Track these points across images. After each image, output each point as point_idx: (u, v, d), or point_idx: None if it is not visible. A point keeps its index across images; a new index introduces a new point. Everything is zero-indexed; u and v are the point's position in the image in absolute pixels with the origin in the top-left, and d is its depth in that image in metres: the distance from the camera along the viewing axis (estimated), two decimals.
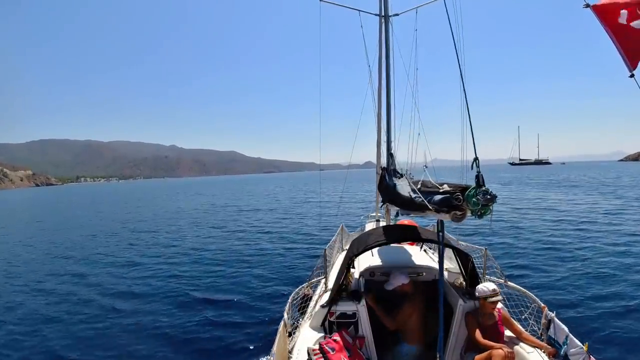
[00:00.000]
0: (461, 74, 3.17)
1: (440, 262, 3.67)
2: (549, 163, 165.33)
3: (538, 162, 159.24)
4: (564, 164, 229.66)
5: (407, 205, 3.98)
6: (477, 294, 3.89)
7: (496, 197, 2.84)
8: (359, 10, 6.94)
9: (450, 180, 3.81)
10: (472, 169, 2.95)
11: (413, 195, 3.73)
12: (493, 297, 3.78)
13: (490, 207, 2.86)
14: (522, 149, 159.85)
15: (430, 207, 3.25)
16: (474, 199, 2.84)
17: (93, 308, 8.62)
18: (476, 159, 2.93)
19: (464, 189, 3.05)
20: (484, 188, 2.83)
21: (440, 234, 3.58)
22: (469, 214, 2.99)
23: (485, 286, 3.84)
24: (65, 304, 8.99)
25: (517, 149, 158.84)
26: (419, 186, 3.92)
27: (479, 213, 2.86)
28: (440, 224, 3.56)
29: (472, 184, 2.94)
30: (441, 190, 3.35)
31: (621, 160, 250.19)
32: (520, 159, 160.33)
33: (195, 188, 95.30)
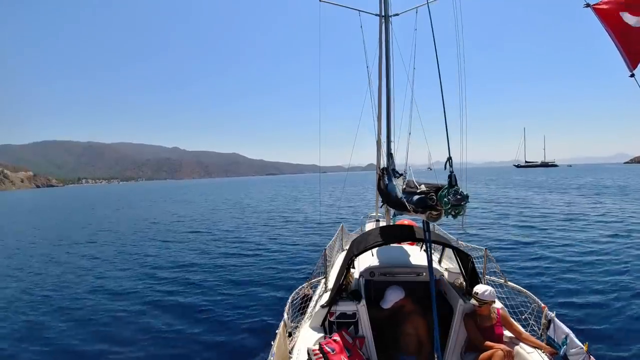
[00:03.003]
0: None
1: (430, 262, 3.68)
2: (555, 165, 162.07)
3: (544, 165, 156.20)
4: (570, 166, 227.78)
5: (396, 205, 4.06)
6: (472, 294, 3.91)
7: (467, 197, 2.86)
8: (359, 10, 6.96)
9: (430, 181, 3.84)
10: (445, 168, 2.97)
11: (399, 196, 3.79)
12: (477, 302, 3.78)
13: (464, 207, 2.88)
14: (525, 151, 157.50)
15: (409, 208, 3.29)
16: (445, 199, 2.87)
17: (91, 309, 8.61)
18: (450, 158, 2.94)
19: (438, 188, 3.08)
20: (454, 188, 2.85)
21: (427, 233, 3.59)
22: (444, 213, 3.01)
23: (479, 289, 3.83)
24: (59, 307, 8.98)
25: (522, 150, 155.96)
26: (404, 186, 3.96)
27: (452, 213, 2.88)
28: (426, 224, 3.56)
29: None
30: (418, 191, 3.39)
31: (627, 162, 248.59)
32: (526, 161, 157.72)
33: (200, 189, 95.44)
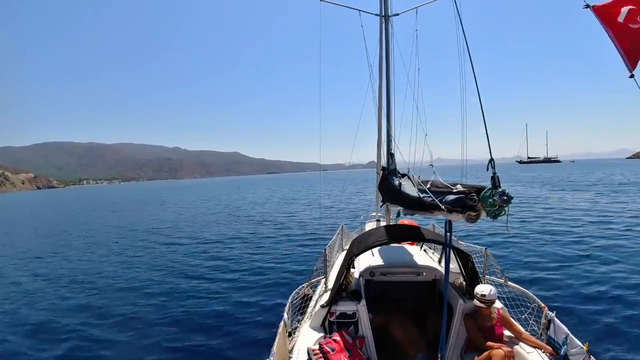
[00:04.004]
0: (474, 72, 3.13)
1: (447, 264, 3.63)
2: (558, 161, 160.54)
3: (547, 160, 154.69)
4: (573, 161, 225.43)
5: (414, 205, 3.90)
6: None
7: (512, 198, 2.82)
8: (359, 10, 6.97)
9: (456, 180, 3.78)
10: (487, 170, 2.93)
11: (422, 195, 3.67)
12: (484, 303, 3.78)
13: (506, 209, 2.85)
14: (528, 147, 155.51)
15: (443, 207, 3.23)
16: (490, 200, 2.82)
17: (90, 311, 8.63)
18: (492, 159, 2.92)
19: (479, 189, 3.04)
20: (500, 189, 2.82)
21: (448, 234, 3.53)
22: (483, 215, 2.97)
23: (484, 291, 3.82)
24: (59, 309, 9.02)
25: (525, 146, 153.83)
26: (428, 186, 3.88)
27: (494, 214, 2.85)
28: (449, 224, 3.49)
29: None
30: (455, 191, 3.32)
31: (629, 157, 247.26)
32: (528, 157, 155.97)
33: (200, 189, 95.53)
